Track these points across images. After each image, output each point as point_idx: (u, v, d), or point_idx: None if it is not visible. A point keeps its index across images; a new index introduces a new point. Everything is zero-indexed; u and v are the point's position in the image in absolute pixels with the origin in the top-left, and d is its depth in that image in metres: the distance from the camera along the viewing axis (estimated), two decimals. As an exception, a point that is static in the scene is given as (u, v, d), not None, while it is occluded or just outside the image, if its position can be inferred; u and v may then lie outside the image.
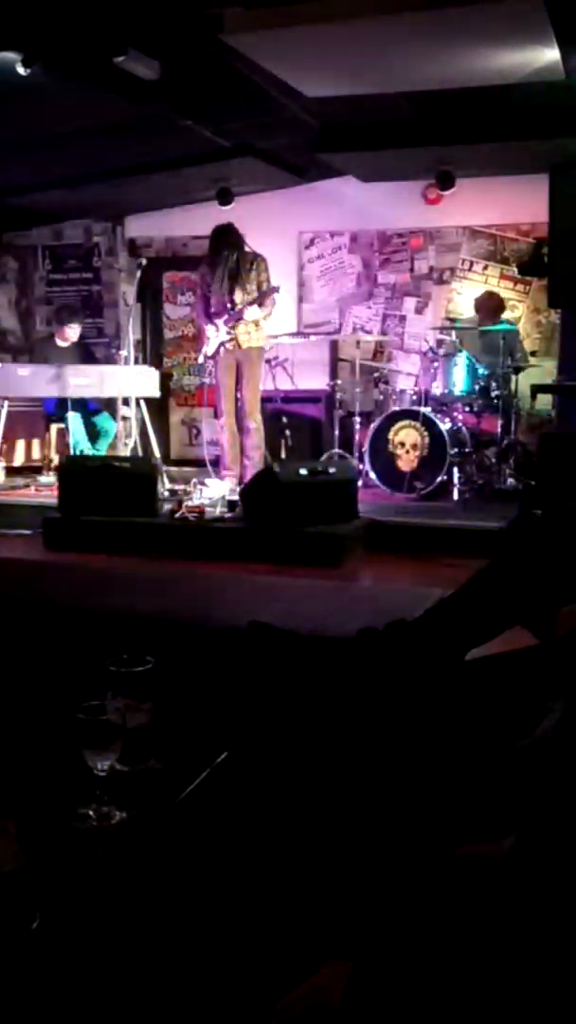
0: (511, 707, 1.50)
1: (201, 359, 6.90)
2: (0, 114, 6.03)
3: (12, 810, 1.47)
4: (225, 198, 8.19)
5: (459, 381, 6.91)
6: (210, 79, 5.88)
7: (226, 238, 6.62)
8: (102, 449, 7.62)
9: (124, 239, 9.33)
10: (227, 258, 6.58)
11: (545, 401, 7.70)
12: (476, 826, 1.39)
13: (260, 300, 6.57)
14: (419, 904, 1.26)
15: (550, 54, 5.38)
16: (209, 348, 6.72)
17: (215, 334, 6.67)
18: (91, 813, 1.62)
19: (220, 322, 6.62)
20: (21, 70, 5.16)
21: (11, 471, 7.64)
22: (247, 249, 6.67)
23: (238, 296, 6.57)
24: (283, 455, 7.47)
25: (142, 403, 7.32)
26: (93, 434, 7.66)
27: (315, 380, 8.24)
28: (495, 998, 1.10)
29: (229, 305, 6.58)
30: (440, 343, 7.35)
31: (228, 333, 6.60)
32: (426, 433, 6.67)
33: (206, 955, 1.32)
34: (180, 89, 5.92)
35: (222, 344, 6.65)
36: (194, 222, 8.66)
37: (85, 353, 8.06)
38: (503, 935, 1.15)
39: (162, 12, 4.99)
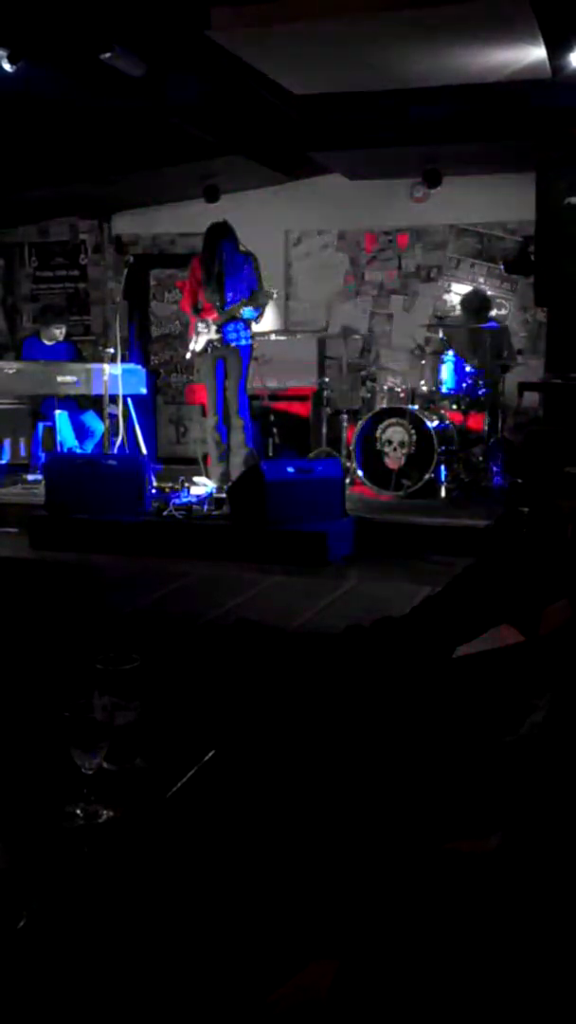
0: (497, 704, 1.51)
1: (189, 356, 6.88)
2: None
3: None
4: (212, 196, 8.17)
5: (446, 379, 6.92)
6: (196, 76, 5.87)
7: (220, 235, 6.59)
8: (89, 447, 7.60)
9: (111, 236, 9.30)
10: (220, 256, 6.54)
11: (532, 399, 7.73)
12: (463, 822, 1.39)
13: (253, 301, 6.54)
14: (406, 901, 1.26)
15: (537, 52, 5.40)
16: (197, 345, 6.71)
17: (205, 331, 6.65)
18: (78, 812, 1.61)
19: (210, 320, 6.61)
20: (7, 66, 5.15)
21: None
22: (240, 248, 6.65)
23: (229, 295, 6.55)
24: (270, 453, 7.47)
25: (129, 401, 7.30)
26: (80, 432, 7.63)
27: (302, 378, 8.23)
28: (482, 994, 1.11)
29: (220, 303, 6.56)
30: (428, 341, 7.36)
31: (217, 332, 6.59)
32: (413, 431, 6.68)
33: (194, 953, 1.32)
34: (166, 86, 5.90)
35: (210, 342, 6.64)
36: (181, 220, 8.66)
37: (72, 351, 8.03)
38: (490, 931, 1.15)
39: (148, 8, 4.97)
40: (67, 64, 5.36)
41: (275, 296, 6.76)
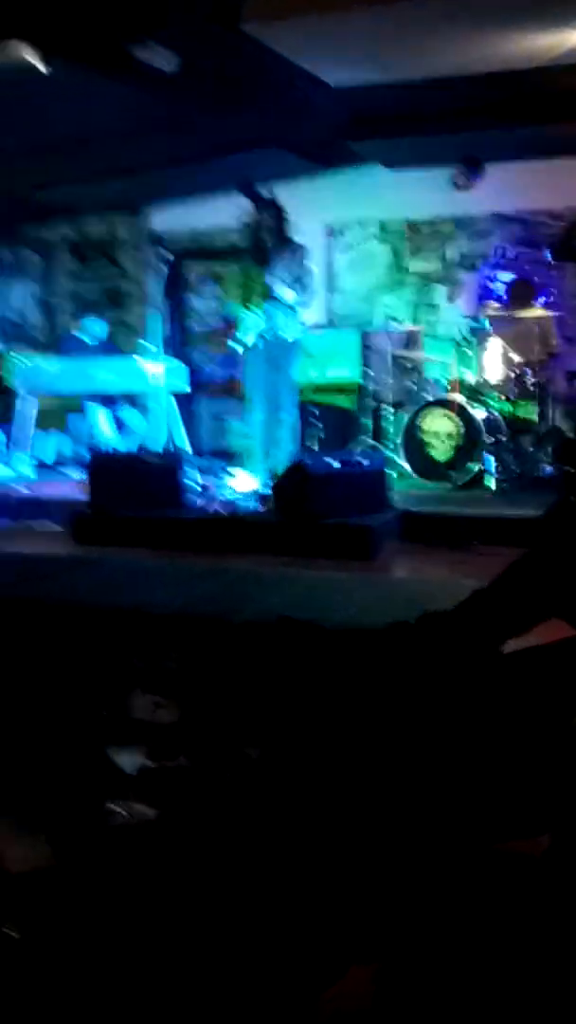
0: (548, 701, 1.45)
1: (239, 348, 6.84)
2: (21, 110, 6.03)
3: (42, 807, 1.46)
4: (250, 189, 8.14)
5: (493, 369, 6.82)
6: (231, 71, 5.84)
7: (267, 218, 6.55)
8: (131, 443, 7.63)
9: (148, 232, 9.31)
10: (265, 240, 6.52)
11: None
12: (512, 822, 1.35)
13: (300, 280, 6.50)
14: (454, 902, 1.23)
15: (578, 34, 5.29)
16: (248, 338, 6.66)
17: (252, 321, 6.61)
18: (120, 810, 1.60)
19: (256, 308, 6.57)
20: (43, 67, 5.16)
21: (40, 466, 7.67)
22: (288, 237, 6.61)
23: (272, 280, 6.51)
24: (314, 447, 7.43)
25: (170, 396, 7.31)
26: (121, 429, 7.67)
27: (345, 371, 8.17)
28: (530, 996, 1.07)
29: (264, 289, 6.52)
30: (473, 331, 7.26)
31: (266, 319, 6.54)
32: (461, 422, 6.60)
33: (234, 952, 1.29)
34: (201, 81, 5.88)
35: (260, 335, 6.59)
36: (219, 213, 8.62)
37: (111, 347, 8.06)
38: (538, 934, 1.11)
39: (180, 2, 4.95)
40: (100, 60, 5.35)
41: (315, 271, 6.69)
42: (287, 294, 6.50)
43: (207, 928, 1.34)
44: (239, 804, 1.57)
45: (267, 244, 6.55)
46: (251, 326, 6.62)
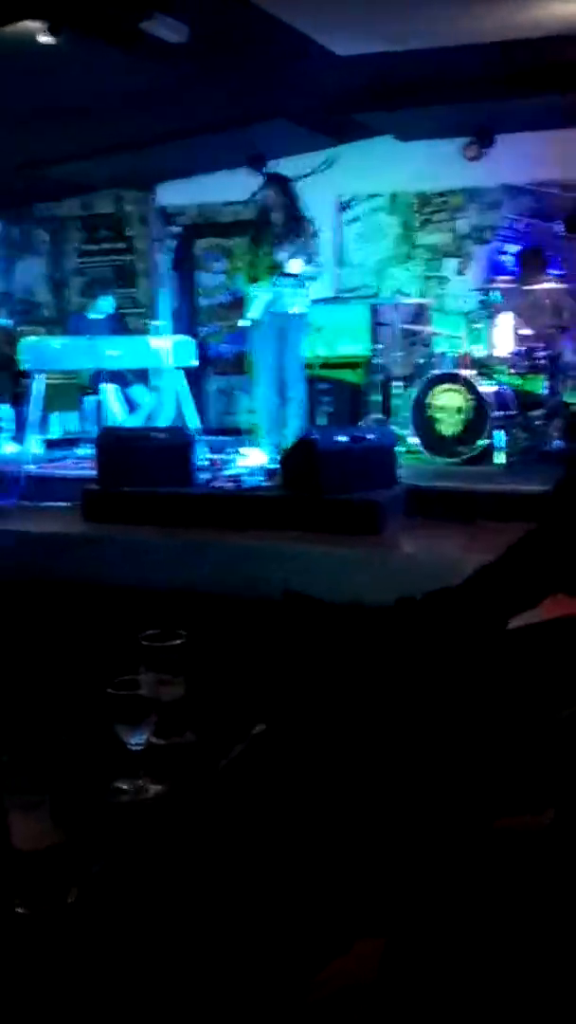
0: (554, 677, 1.46)
1: (247, 323, 6.80)
2: (28, 85, 5.99)
3: (47, 786, 1.46)
4: (259, 162, 8.07)
5: (503, 342, 6.77)
6: (239, 41, 5.78)
7: (277, 191, 6.50)
8: (139, 420, 7.62)
9: (156, 207, 9.26)
10: (274, 213, 6.46)
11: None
12: (517, 798, 1.35)
13: (306, 252, 6.45)
14: (458, 878, 1.23)
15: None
16: (256, 312, 6.62)
17: (260, 296, 6.57)
18: (126, 787, 1.60)
19: (264, 282, 6.52)
20: (48, 39, 5.11)
21: (49, 444, 7.67)
22: (297, 210, 6.56)
23: (281, 254, 6.46)
24: (322, 422, 7.41)
25: (179, 372, 7.29)
26: (130, 405, 7.66)
27: (354, 345, 8.13)
28: (535, 973, 1.08)
29: (272, 262, 6.48)
30: (483, 304, 7.20)
31: (273, 292, 6.50)
32: (470, 396, 6.57)
33: (240, 929, 1.31)
34: (209, 52, 5.82)
35: (267, 309, 6.56)
36: (227, 188, 8.56)
37: (119, 324, 8.03)
38: (543, 909, 1.12)
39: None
40: (107, 32, 5.30)
41: (319, 234, 6.63)
42: (295, 268, 6.45)
43: (210, 905, 1.35)
44: (244, 778, 1.58)
45: (275, 219, 6.50)
46: (258, 301, 6.58)
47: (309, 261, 6.49)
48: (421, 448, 6.70)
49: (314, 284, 6.82)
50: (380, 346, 7.67)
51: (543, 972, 1.08)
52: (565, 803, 1.25)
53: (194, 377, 8.01)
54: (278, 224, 6.49)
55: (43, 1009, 1.18)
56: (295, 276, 6.48)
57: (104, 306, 7.95)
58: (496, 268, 8.18)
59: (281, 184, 6.56)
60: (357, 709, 1.70)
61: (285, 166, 8.01)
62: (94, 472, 6.10)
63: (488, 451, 6.52)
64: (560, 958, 1.08)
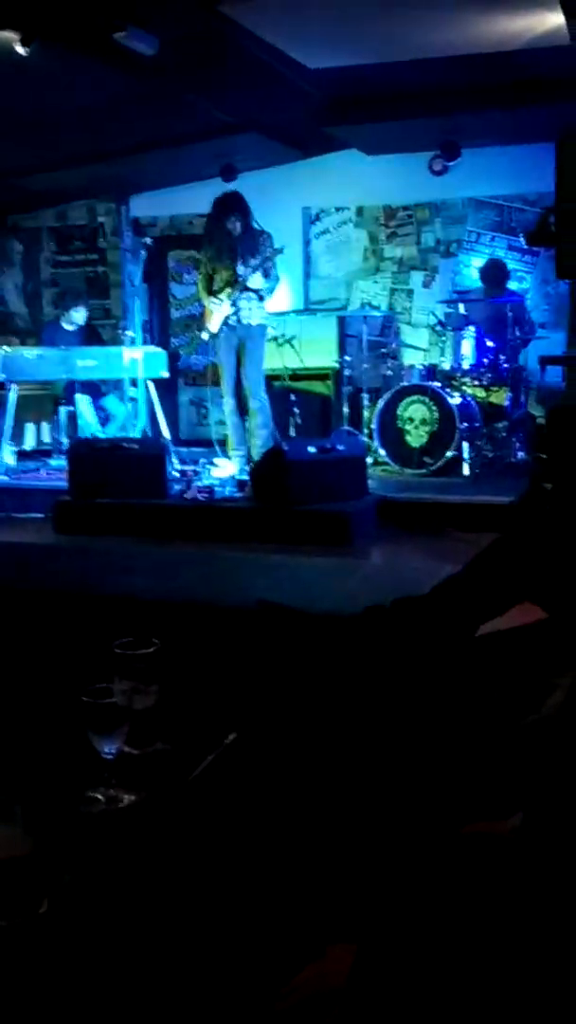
0: (520, 683, 1.48)
1: (206, 336, 6.84)
2: (1, 95, 5.98)
3: (19, 794, 1.47)
4: (229, 174, 8.11)
5: (468, 355, 6.85)
6: (210, 53, 5.81)
7: (231, 207, 6.51)
8: (111, 431, 7.61)
9: (128, 219, 9.27)
10: (231, 229, 6.47)
11: (555, 373, 7.63)
12: (483, 804, 1.38)
13: (264, 266, 6.47)
14: (425, 884, 1.25)
15: (554, 19, 5.30)
16: (213, 325, 6.65)
17: (218, 309, 6.59)
18: (99, 796, 1.61)
19: (223, 296, 6.54)
20: (21, 50, 5.11)
21: (22, 455, 7.64)
22: (253, 224, 6.57)
23: (241, 268, 6.48)
24: (292, 433, 7.44)
25: (150, 384, 7.29)
26: (102, 416, 7.64)
27: (323, 357, 8.18)
28: (503, 979, 1.09)
29: (231, 277, 6.49)
30: (448, 316, 7.28)
31: (232, 306, 6.52)
32: (435, 408, 6.62)
33: (212, 938, 1.32)
34: (180, 64, 5.85)
35: (225, 322, 6.58)
36: (199, 200, 8.56)
37: (92, 335, 8.02)
38: (510, 914, 1.14)
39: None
40: (79, 44, 5.32)
41: (282, 251, 6.63)
42: (253, 281, 6.48)
43: (182, 914, 1.36)
44: (217, 788, 1.59)
45: (233, 231, 6.50)
46: (216, 314, 6.60)
47: (265, 274, 6.50)
48: (389, 460, 6.74)
49: (280, 296, 6.84)
50: (348, 358, 7.72)
51: (512, 975, 1.10)
52: (532, 808, 1.27)
53: (166, 388, 8.01)
54: (234, 236, 6.48)
55: (14, 1019, 1.18)
56: (255, 290, 6.51)
57: (77, 317, 7.93)
58: (461, 281, 8.28)
59: (235, 201, 6.55)
60: (328, 718, 1.72)
61: (256, 177, 8.07)
62: (66, 484, 6.08)
63: (454, 462, 6.58)
64: (529, 961, 1.10)
